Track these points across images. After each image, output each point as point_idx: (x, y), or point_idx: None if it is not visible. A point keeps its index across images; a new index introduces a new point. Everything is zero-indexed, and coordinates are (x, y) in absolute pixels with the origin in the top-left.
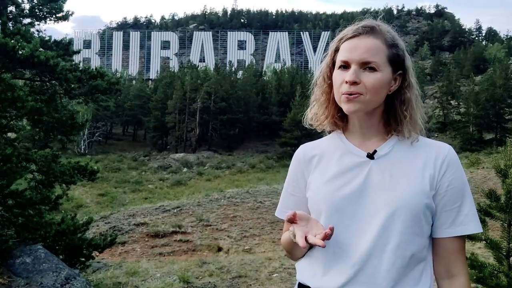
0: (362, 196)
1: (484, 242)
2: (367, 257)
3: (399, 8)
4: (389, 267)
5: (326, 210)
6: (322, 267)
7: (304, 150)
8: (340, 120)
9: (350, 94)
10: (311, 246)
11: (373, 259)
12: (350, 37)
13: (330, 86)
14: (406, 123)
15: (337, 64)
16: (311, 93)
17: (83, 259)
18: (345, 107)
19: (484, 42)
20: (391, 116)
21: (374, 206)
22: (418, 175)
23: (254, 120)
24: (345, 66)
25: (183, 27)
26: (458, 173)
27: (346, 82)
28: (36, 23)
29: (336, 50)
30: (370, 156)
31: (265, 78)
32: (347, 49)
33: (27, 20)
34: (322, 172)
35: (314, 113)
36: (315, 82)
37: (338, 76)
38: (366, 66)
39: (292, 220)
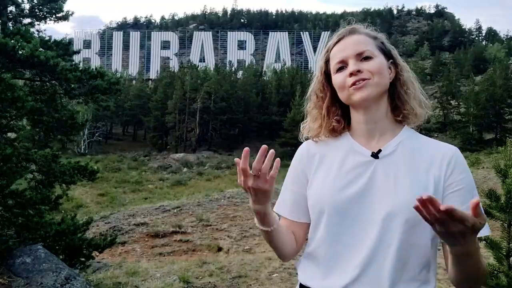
0: (366, 196)
1: (484, 242)
2: (371, 258)
3: (399, 8)
4: (392, 268)
5: (329, 209)
6: (324, 267)
7: (308, 147)
8: (338, 124)
9: (358, 83)
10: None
11: (376, 260)
12: (336, 43)
13: (323, 99)
14: (411, 101)
15: (334, 69)
16: (305, 109)
17: (83, 259)
18: (356, 97)
19: (484, 42)
20: (396, 100)
21: (378, 207)
22: (423, 176)
23: (254, 120)
24: (342, 67)
25: (183, 27)
26: (466, 174)
27: (350, 75)
28: (36, 23)
29: (326, 61)
30: (375, 155)
31: (265, 78)
32: (338, 51)
33: (27, 20)
34: (326, 171)
35: (309, 126)
36: (309, 97)
37: (339, 77)
38: (361, 56)
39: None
